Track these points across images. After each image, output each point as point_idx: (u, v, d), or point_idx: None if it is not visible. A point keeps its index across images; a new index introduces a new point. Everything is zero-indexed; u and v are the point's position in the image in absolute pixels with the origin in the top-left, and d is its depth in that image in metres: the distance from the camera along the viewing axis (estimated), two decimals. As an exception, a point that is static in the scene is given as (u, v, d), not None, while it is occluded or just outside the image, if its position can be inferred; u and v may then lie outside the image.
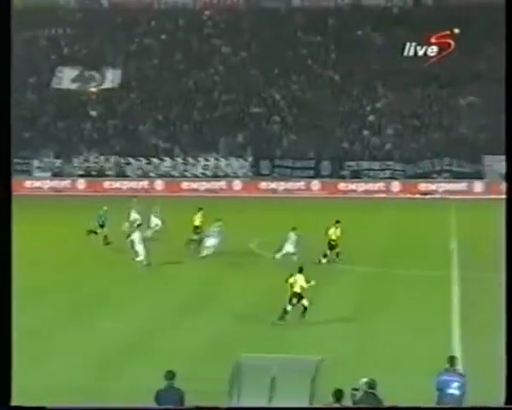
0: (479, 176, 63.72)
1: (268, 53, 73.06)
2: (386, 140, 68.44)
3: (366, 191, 63.37)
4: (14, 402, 10.28)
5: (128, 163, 67.72)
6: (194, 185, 65.48)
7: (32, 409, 12.15)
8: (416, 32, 71.96)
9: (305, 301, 25.35)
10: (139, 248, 33.85)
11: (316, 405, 14.17)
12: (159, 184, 65.56)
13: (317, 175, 65.08)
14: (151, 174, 67.19)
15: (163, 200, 47.38)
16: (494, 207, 53.93)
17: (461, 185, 63.05)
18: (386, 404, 14.00)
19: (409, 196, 61.25)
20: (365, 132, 68.96)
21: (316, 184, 64.15)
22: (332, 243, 34.97)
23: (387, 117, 69.54)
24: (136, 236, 34.15)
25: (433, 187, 63.34)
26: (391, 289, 31.19)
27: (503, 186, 58.34)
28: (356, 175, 65.51)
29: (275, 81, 72.03)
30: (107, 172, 67.04)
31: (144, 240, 34.58)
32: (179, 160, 67.74)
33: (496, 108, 67.74)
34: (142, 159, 67.72)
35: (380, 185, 64.05)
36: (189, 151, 68.22)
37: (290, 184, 64.40)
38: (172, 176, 66.78)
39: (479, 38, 69.79)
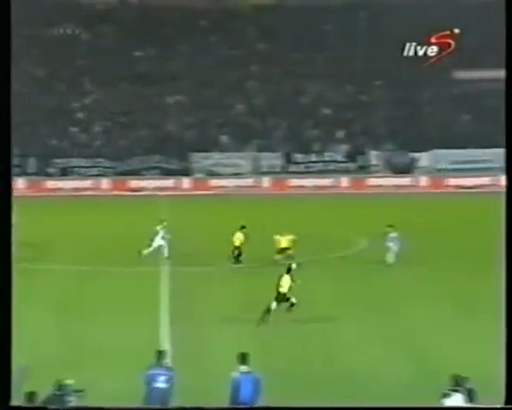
0: (186, 173, 65.13)
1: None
2: (95, 137, 67.94)
3: (76, 189, 62.44)
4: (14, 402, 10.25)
5: None
6: None
7: (31, 409, 12.57)
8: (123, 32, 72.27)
9: (293, 299, 25.24)
10: None
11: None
12: None
13: (22, 173, 63.01)
14: None
15: None
16: (201, 202, 55.69)
17: (169, 182, 64.07)
18: (91, 403, 13.76)
19: (118, 192, 61.18)
20: (73, 129, 67.97)
21: (22, 183, 62.11)
22: (236, 249, 33.78)
23: (96, 114, 69.03)
24: None
25: (142, 184, 63.78)
26: (105, 286, 30.95)
27: (210, 182, 59.87)
28: (64, 173, 64.37)
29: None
30: None
31: None
32: None
33: (201, 107, 69.71)
34: None
35: (89, 183, 63.40)
36: None
37: (-6, 183, 61.74)
38: None
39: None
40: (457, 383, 13.94)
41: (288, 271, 25.87)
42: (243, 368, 15.13)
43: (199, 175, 65.32)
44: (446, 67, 72.19)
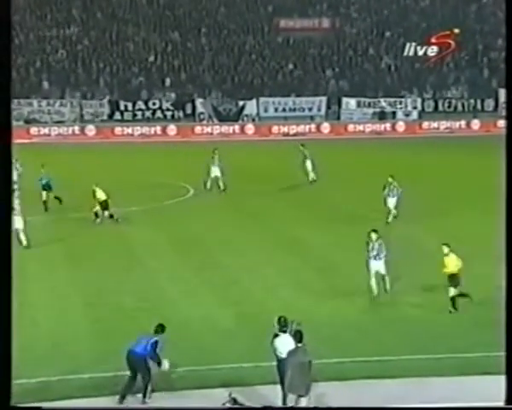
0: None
1: None
2: None
3: None
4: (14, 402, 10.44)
5: None
6: None
7: (31, 409, 12.79)
8: None
9: None
10: None
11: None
12: None
13: None
14: None
15: None
16: (22, 152, 53.32)
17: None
18: None
19: None
20: None
21: None
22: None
23: None
24: None
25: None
26: None
27: (31, 130, 57.79)
28: None
29: None
30: None
31: None
32: None
33: (20, 51, 66.74)
34: None
35: None
36: None
37: None
38: None
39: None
40: (284, 325, 14.91)
41: None
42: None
43: (18, 123, 62.81)
44: (269, 15, 72.75)
